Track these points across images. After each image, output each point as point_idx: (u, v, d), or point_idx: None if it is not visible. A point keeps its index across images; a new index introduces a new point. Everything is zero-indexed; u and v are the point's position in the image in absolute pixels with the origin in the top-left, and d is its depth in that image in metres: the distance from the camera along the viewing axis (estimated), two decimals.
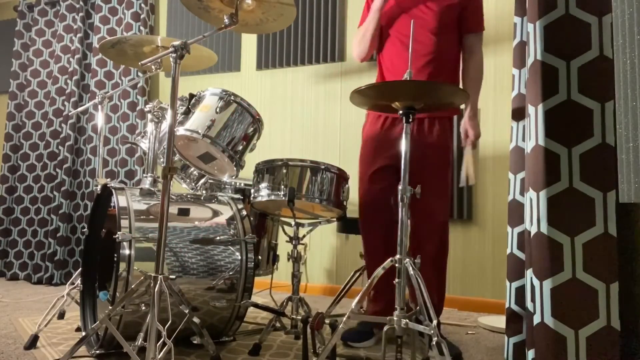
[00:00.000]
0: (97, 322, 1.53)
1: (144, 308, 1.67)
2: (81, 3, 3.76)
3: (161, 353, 1.38)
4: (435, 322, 1.46)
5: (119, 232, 1.67)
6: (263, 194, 1.95)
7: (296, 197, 1.87)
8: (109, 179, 2.59)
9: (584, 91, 1.26)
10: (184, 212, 1.88)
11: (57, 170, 3.65)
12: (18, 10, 3.97)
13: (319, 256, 3.30)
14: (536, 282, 1.28)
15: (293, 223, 2.06)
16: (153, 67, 2.12)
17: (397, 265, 1.56)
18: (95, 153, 3.65)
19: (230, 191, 2.37)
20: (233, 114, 1.93)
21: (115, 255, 1.67)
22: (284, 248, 2.72)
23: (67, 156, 3.59)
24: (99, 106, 2.31)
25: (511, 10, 2.76)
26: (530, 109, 1.34)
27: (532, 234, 1.31)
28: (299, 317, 1.95)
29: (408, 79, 1.62)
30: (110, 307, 1.52)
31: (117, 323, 1.64)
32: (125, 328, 1.66)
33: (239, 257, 1.91)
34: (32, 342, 1.86)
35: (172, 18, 3.80)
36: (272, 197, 1.92)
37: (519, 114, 1.54)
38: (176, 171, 1.54)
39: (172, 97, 1.49)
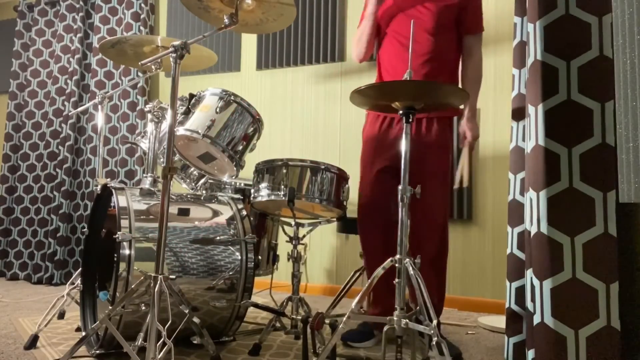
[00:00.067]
0: (97, 322, 1.53)
1: (144, 308, 1.67)
2: (81, 3, 3.76)
3: (161, 353, 1.38)
4: (435, 322, 1.46)
5: (119, 232, 1.67)
6: (263, 194, 1.95)
7: (296, 197, 1.87)
8: (109, 179, 2.59)
9: (584, 91, 1.26)
10: (184, 212, 1.88)
11: (57, 170, 3.65)
12: (18, 10, 3.97)
13: (319, 256, 3.30)
14: (536, 282, 1.28)
15: (293, 223, 2.06)
16: (153, 67, 2.12)
17: (397, 265, 1.56)
18: (95, 153, 3.65)
19: (230, 191, 2.37)
20: (233, 114, 1.93)
21: (115, 255, 1.67)
22: (284, 248, 2.72)
23: (67, 156, 3.59)
24: (99, 106, 2.31)
25: (511, 10, 2.76)
26: (530, 109, 1.34)
27: (532, 234, 1.31)
28: (299, 317, 1.95)
29: (408, 79, 1.62)
30: (110, 307, 1.52)
31: (117, 323, 1.64)
32: (125, 328, 1.66)
33: (239, 257, 1.91)
34: (32, 342, 1.86)
35: (172, 18, 3.80)
36: (272, 197, 1.92)
37: (519, 114, 1.54)
38: (176, 171, 1.54)
39: (172, 97, 1.49)
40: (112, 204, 1.89)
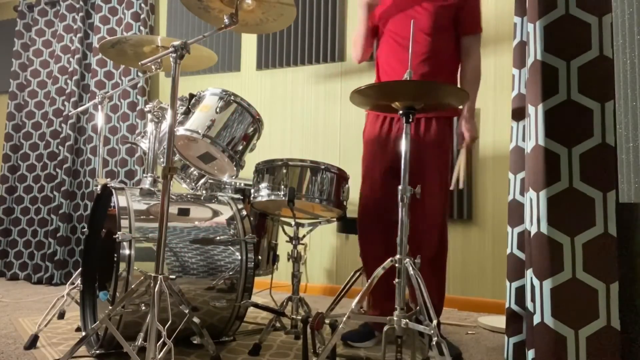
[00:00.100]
0: (97, 322, 1.53)
1: (144, 308, 1.67)
2: (81, 3, 3.76)
3: (161, 353, 1.38)
4: (435, 322, 1.46)
5: (119, 232, 1.67)
6: (263, 194, 1.95)
7: (296, 197, 1.87)
8: (109, 179, 2.59)
9: (584, 91, 1.26)
10: (184, 212, 1.88)
11: (57, 170, 3.65)
12: (18, 10, 3.97)
13: (319, 256, 3.30)
14: (536, 282, 1.28)
15: (293, 223, 2.06)
16: (153, 67, 2.12)
17: (397, 265, 1.56)
18: (95, 153, 3.65)
19: (230, 191, 2.37)
20: (233, 114, 1.93)
21: (115, 255, 1.67)
22: (284, 248, 2.72)
23: (67, 156, 3.59)
24: (99, 106, 2.31)
25: (511, 10, 2.76)
26: (530, 109, 1.34)
27: (532, 234, 1.31)
28: (299, 317, 1.95)
29: (408, 79, 1.62)
30: (110, 307, 1.52)
31: (117, 323, 1.64)
32: (125, 328, 1.66)
33: (239, 257, 1.91)
34: (32, 342, 1.86)
35: (172, 18, 3.80)
36: (272, 197, 1.92)
37: (519, 114, 1.54)
38: (176, 171, 1.54)
39: (172, 97, 1.49)
40: (112, 204, 1.89)
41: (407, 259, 1.55)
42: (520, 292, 1.49)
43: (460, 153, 1.99)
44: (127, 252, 1.67)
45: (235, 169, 1.94)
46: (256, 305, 1.95)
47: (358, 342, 2.01)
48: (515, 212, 1.53)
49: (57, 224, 3.50)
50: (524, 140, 1.52)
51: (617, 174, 0.80)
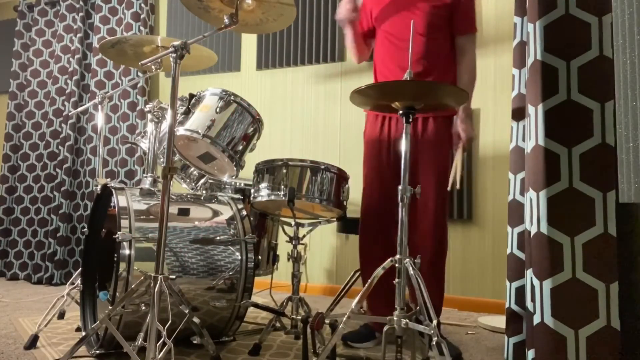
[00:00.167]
0: (97, 322, 1.53)
1: (144, 308, 1.67)
2: (81, 3, 3.76)
3: (161, 353, 1.38)
4: (435, 322, 1.46)
5: (119, 232, 1.67)
6: (263, 194, 1.95)
7: (296, 197, 1.87)
8: (109, 179, 2.59)
9: (584, 91, 1.26)
10: (184, 212, 1.88)
11: (57, 170, 3.65)
12: (18, 10, 3.97)
13: (319, 256, 3.30)
14: (536, 282, 1.28)
15: (293, 223, 2.06)
16: (153, 67, 2.12)
17: (397, 265, 1.56)
18: (95, 153, 3.65)
19: (230, 191, 2.37)
20: (233, 114, 1.93)
21: (115, 255, 1.67)
22: (284, 248, 2.72)
23: (67, 156, 3.59)
24: (99, 106, 2.31)
25: (511, 10, 2.76)
26: (530, 109, 1.34)
27: (532, 234, 1.31)
28: (299, 317, 1.95)
29: (408, 78, 1.62)
30: (110, 307, 1.52)
31: (117, 323, 1.64)
32: (125, 328, 1.66)
33: (239, 257, 1.91)
34: (32, 342, 1.86)
35: (172, 18, 3.80)
36: (272, 197, 1.92)
37: (519, 114, 1.54)
38: (176, 171, 1.54)
39: (172, 97, 1.49)
40: (112, 204, 1.89)
41: (407, 259, 1.55)
42: (520, 292, 1.49)
43: (457, 153, 1.99)
44: (127, 252, 1.67)
45: (235, 169, 1.94)
46: (256, 305, 1.95)
47: (358, 342, 2.01)
48: (515, 212, 1.53)
49: (57, 224, 3.50)
50: (524, 140, 1.52)
51: (617, 174, 0.80)
